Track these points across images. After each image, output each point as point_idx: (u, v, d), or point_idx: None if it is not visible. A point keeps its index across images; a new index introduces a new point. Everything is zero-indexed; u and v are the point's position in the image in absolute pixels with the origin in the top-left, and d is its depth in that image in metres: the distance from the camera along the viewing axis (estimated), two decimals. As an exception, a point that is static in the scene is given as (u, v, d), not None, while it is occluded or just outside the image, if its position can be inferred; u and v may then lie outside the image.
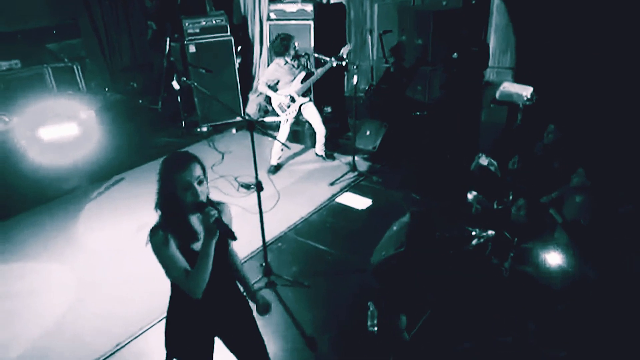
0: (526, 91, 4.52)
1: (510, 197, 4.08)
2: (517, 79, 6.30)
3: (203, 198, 1.90)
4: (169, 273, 1.91)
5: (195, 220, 1.99)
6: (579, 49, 5.06)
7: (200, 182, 1.89)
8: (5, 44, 6.96)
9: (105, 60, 8.09)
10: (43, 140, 5.62)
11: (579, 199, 3.70)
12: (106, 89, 7.51)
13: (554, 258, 3.28)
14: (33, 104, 5.83)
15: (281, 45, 4.98)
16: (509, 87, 4.65)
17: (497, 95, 4.79)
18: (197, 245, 1.95)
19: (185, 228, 1.95)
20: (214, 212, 1.83)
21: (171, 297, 2.07)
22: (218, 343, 2.23)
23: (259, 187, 3.33)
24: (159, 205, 1.93)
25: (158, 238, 1.87)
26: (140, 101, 7.53)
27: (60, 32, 7.67)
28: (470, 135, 6.18)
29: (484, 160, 4.47)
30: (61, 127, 5.72)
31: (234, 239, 1.87)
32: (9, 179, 5.24)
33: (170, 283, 2.02)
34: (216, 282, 1.98)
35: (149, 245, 1.89)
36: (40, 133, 5.61)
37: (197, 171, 1.88)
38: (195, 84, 5.14)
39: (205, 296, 1.92)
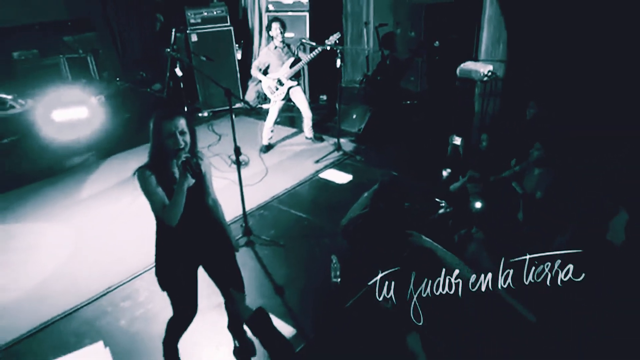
0: (484, 68, 4.78)
1: (467, 176, 4.36)
2: (509, 72, 6.51)
3: (182, 146, 2.26)
4: (151, 205, 2.30)
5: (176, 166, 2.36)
6: (572, 42, 5.11)
7: (182, 133, 2.27)
8: (25, 36, 7.51)
9: (117, 52, 8.57)
10: (55, 122, 6.12)
11: (537, 172, 3.96)
12: (117, 79, 7.99)
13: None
14: (49, 90, 6.34)
15: (270, 24, 5.39)
16: (470, 64, 4.92)
17: (458, 72, 5.08)
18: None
19: (167, 171, 2.34)
20: (185, 155, 2.22)
21: (157, 230, 2.45)
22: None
23: (237, 151, 3.72)
24: (150, 150, 2.34)
25: (144, 176, 2.27)
26: (148, 90, 7.99)
27: (76, 26, 8.20)
28: (463, 121, 6.41)
29: (457, 140, 4.76)
30: (73, 110, 6.23)
31: (195, 176, 2.23)
32: (24, 154, 5.74)
33: (154, 218, 2.40)
34: (194, 215, 2.38)
35: (136, 182, 2.29)
36: (54, 115, 6.12)
37: (181, 123, 2.27)
38: (178, 55, 5.59)
39: (184, 227, 2.31)
